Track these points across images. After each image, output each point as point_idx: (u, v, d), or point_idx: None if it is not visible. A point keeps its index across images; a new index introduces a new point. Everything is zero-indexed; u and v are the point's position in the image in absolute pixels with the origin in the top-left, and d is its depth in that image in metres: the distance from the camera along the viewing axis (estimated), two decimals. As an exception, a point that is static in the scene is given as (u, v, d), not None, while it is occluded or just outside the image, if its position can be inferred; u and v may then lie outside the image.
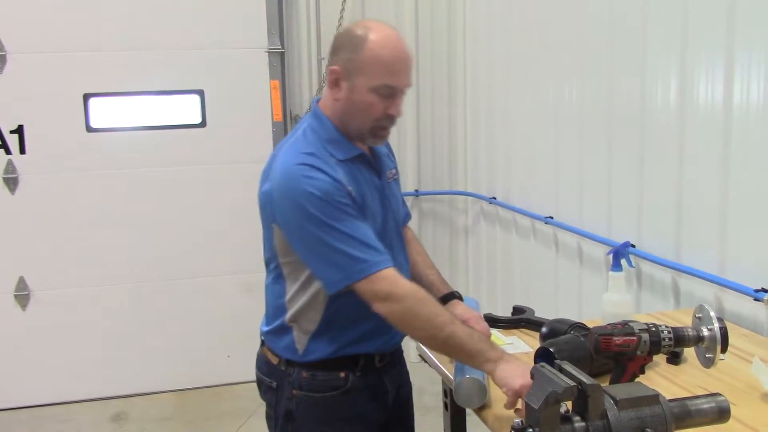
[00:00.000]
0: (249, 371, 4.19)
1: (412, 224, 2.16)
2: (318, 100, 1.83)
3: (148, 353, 4.32)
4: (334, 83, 1.73)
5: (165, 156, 4.24)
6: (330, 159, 1.70)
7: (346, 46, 1.71)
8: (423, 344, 1.87)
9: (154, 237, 4.27)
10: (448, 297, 1.97)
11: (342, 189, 1.66)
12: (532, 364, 1.55)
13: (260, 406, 3.92)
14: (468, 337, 1.63)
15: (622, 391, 1.30)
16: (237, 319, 4.35)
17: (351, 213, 1.66)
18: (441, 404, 2.16)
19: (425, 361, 2.13)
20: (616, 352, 1.49)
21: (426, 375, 2.12)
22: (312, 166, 1.66)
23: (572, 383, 1.23)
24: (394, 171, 1.94)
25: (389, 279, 1.64)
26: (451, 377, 1.89)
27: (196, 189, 4.29)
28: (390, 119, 1.75)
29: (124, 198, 4.21)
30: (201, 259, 4.35)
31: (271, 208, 1.71)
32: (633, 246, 2.68)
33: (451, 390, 1.99)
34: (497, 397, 1.69)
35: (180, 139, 4.24)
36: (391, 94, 1.71)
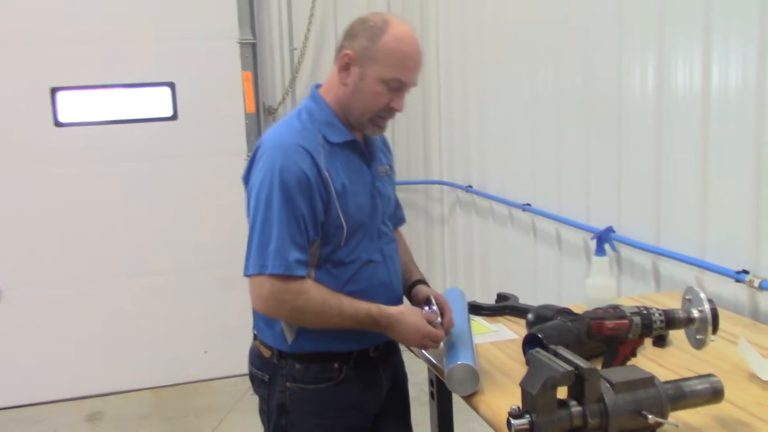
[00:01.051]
0: (226, 367, 4.23)
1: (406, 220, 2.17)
2: (318, 86, 1.86)
3: (123, 350, 4.25)
4: (345, 67, 1.76)
5: (136, 150, 4.17)
6: (319, 140, 1.73)
7: (364, 34, 1.73)
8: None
9: (126, 232, 4.20)
10: (416, 283, 1.99)
11: (316, 178, 1.68)
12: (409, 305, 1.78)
13: (238, 402, 3.92)
14: (353, 318, 1.70)
15: (617, 374, 1.30)
16: (213, 315, 4.32)
17: (304, 207, 1.67)
18: (422, 394, 2.16)
19: (410, 350, 2.12)
20: (608, 336, 1.49)
21: (406, 364, 2.10)
22: (301, 147, 1.69)
23: (569, 368, 1.23)
24: (387, 167, 1.95)
25: (297, 285, 1.67)
26: (439, 365, 1.88)
27: (169, 183, 4.23)
28: (390, 112, 1.79)
29: (94, 194, 4.13)
30: (175, 254, 4.29)
31: (249, 180, 1.76)
32: (613, 231, 2.69)
33: (437, 378, 1.99)
34: (489, 383, 1.70)
35: (151, 133, 4.17)
36: (399, 88, 1.75)
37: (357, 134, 1.82)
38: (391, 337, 1.78)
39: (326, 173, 1.70)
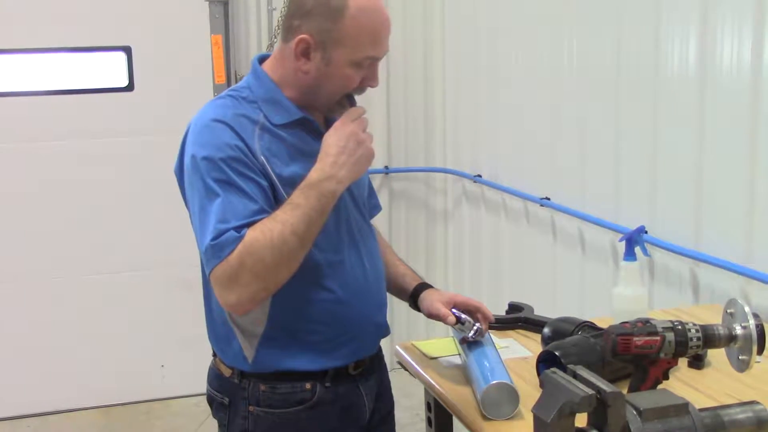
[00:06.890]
0: (186, 384, 4.26)
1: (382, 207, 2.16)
2: (261, 59, 1.85)
3: (65, 363, 4.27)
4: (303, 53, 1.73)
5: (83, 126, 4.18)
6: (259, 118, 1.74)
7: (320, 12, 1.70)
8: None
9: (68, 224, 4.21)
10: (422, 287, 2.00)
11: (246, 153, 1.68)
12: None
13: (201, 425, 3.94)
14: (300, 212, 1.64)
15: (645, 399, 1.32)
16: (172, 322, 4.33)
17: (239, 180, 1.65)
18: (417, 420, 2.18)
19: (404, 368, 2.14)
20: (636, 355, 1.51)
21: (398, 386, 2.12)
22: (219, 122, 1.70)
23: (590, 391, 1.25)
24: None
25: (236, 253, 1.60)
26: (438, 387, 1.90)
27: (121, 165, 4.24)
28: (362, 90, 1.81)
29: (32, 177, 4.14)
30: (127, 250, 4.31)
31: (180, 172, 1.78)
32: (645, 232, 2.71)
33: (436, 401, 2.01)
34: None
35: (102, 106, 4.18)
36: (371, 63, 1.77)
37: (314, 113, 1.81)
38: (344, 173, 1.70)
39: (261, 158, 1.69)
